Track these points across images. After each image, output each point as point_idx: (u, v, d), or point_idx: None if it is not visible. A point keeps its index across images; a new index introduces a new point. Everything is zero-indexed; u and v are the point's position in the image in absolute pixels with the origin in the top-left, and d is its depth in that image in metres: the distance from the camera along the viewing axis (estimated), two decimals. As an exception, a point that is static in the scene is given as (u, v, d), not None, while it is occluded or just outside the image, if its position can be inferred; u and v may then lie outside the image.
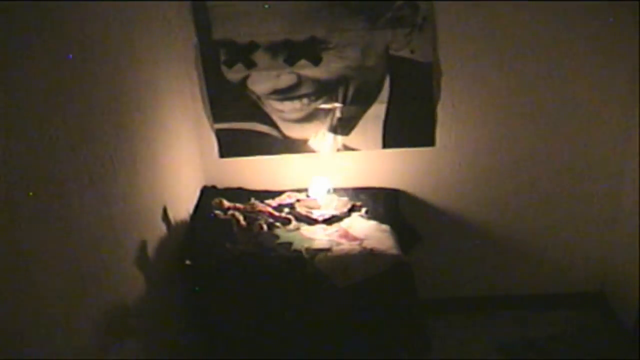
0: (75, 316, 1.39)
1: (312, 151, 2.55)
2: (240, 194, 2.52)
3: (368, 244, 2.15)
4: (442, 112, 2.46)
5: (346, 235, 2.22)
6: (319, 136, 2.52)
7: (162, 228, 2.08)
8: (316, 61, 2.38)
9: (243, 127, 2.51)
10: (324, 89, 2.42)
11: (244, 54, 2.38)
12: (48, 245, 1.29)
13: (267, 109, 2.47)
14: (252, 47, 2.36)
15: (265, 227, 2.25)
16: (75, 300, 1.40)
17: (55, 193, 1.33)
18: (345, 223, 2.30)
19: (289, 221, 2.30)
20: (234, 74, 2.42)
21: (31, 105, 1.25)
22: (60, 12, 1.41)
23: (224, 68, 2.41)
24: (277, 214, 2.34)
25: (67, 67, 1.43)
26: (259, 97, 2.45)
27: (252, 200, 2.42)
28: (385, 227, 2.26)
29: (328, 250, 2.13)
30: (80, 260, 1.44)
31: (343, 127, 2.49)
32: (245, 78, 2.42)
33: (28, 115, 1.23)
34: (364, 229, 2.24)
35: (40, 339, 1.24)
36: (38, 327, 1.23)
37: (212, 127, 2.53)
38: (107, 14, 1.71)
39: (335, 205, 2.40)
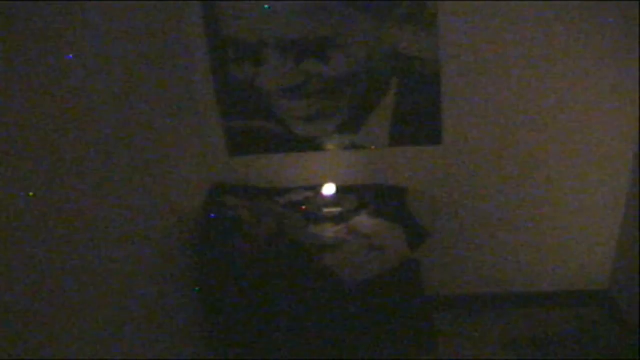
0: (79, 317, 1.40)
1: (321, 149, 2.56)
2: (249, 191, 2.54)
3: (376, 242, 2.17)
4: (449, 111, 2.47)
5: (354, 232, 2.24)
6: (327, 134, 2.53)
7: (171, 226, 2.10)
8: (324, 59, 2.39)
9: (252, 125, 2.53)
10: (332, 87, 2.44)
11: (253, 52, 2.39)
12: (51, 246, 1.29)
13: (276, 107, 2.49)
14: (261, 45, 2.38)
15: (274, 224, 2.27)
16: (80, 300, 1.41)
17: (57, 193, 1.32)
18: (353, 221, 2.31)
19: (298, 219, 2.32)
20: (242, 73, 2.44)
21: (32, 104, 1.25)
22: (64, 7, 1.41)
23: (232, 66, 2.43)
24: (286, 211, 2.35)
25: (69, 65, 1.42)
26: (267, 95, 2.47)
27: (262, 198, 2.44)
28: (392, 224, 2.28)
29: (336, 247, 2.15)
30: (85, 260, 1.44)
31: (351, 125, 2.51)
32: (254, 76, 2.44)
33: (29, 114, 1.23)
34: (372, 227, 2.26)
35: (43, 339, 1.24)
36: (42, 327, 1.24)
37: (221, 125, 2.55)
38: (115, 11, 1.71)
39: (343, 203, 2.42)
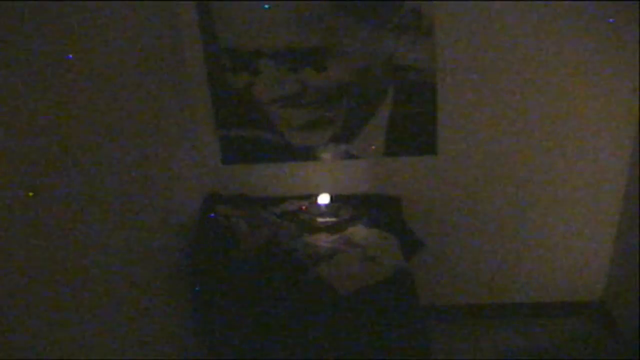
0: (75, 318, 1.40)
1: (316, 159, 2.56)
2: (243, 201, 2.53)
3: (370, 251, 2.16)
4: (445, 121, 2.47)
5: (349, 242, 2.23)
6: (323, 144, 2.53)
7: (166, 235, 2.09)
8: (320, 69, 2.40)
9: (247, 134, 2.53)
10: (328, 97, 2.44)
11: (249, 61, 2.40)
12: (49, 247, 1.29)
13: (271, 116, 2.49)
14: (257, 54, 2.38)
15: (268, 234, 2.26)
16: (77, 306, 1.41)
17: (54, 195, 1.32)
18: (348, 231, 2.31)
19: (292, 228, 2.31)
20: (238, 81, 2.44)
21: (31, 105, 1.25)
22: (62, 12, 1.41)
23: (228, 75, 2.43)
24: (280, 221, 2.35)
25: (67, 68, 1.42)
26: (263, 105, 2.47)
27: (256, 207, 2.43)
28: (387, 234, 2.27)
29: (331, 257, 2.14)
30: (82, 267, 1.44)
31: (346, 134, 2.51)
32: (250, 85, 2.44)
33: (29, 114, 1.23)
34: (366, 236, 2.26)
35: (41, 339, 1.24)
36: (40, 327, 1.24)
37: (216, 134, 2.54)
38: (110, 18, 1.71)
39: (338, 212, 2.41)
